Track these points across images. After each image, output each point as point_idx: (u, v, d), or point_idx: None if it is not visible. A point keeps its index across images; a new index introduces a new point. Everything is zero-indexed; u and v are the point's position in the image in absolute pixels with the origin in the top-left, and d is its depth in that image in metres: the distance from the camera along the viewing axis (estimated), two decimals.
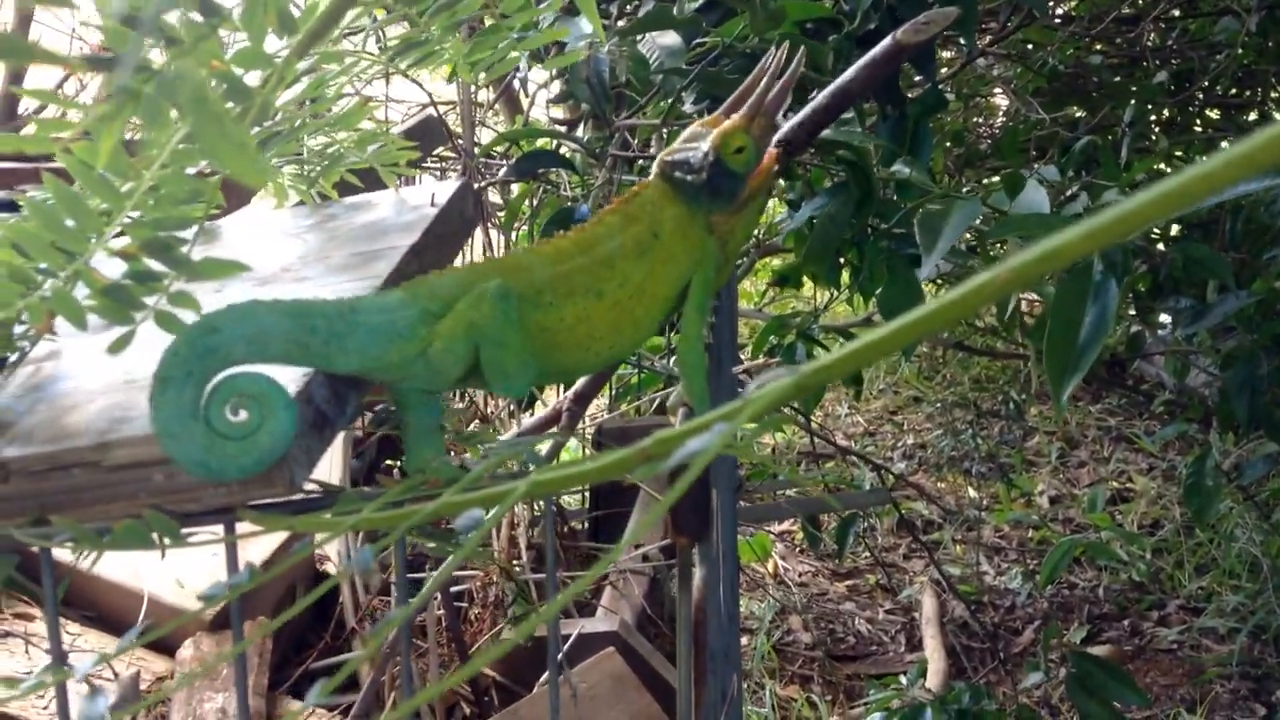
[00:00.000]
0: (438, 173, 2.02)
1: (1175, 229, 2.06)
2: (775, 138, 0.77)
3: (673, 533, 0.81)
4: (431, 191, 0.77)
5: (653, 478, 1.45)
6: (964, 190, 2.30)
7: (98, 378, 0.61)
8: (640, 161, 1.30)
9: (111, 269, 0.59)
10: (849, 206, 0.94)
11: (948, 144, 2.25)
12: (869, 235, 0.98)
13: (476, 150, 1.45)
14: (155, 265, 0.56)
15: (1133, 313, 2.00)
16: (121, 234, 0.57)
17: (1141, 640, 2.65)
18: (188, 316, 0.58)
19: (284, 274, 0.71)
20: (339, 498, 0.56)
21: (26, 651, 1.50)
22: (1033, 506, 3.20)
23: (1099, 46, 2.38)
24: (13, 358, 0.67)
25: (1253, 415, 1.87)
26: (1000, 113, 2.75)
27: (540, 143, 1.29)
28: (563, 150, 1.37)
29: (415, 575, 1.52)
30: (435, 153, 1.93)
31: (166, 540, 0.51)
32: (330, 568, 1.64)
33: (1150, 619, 2.73)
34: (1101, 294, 0.82)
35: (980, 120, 2.78)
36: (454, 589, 1.49)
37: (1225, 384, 1.87)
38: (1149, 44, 2.41)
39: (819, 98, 0.80)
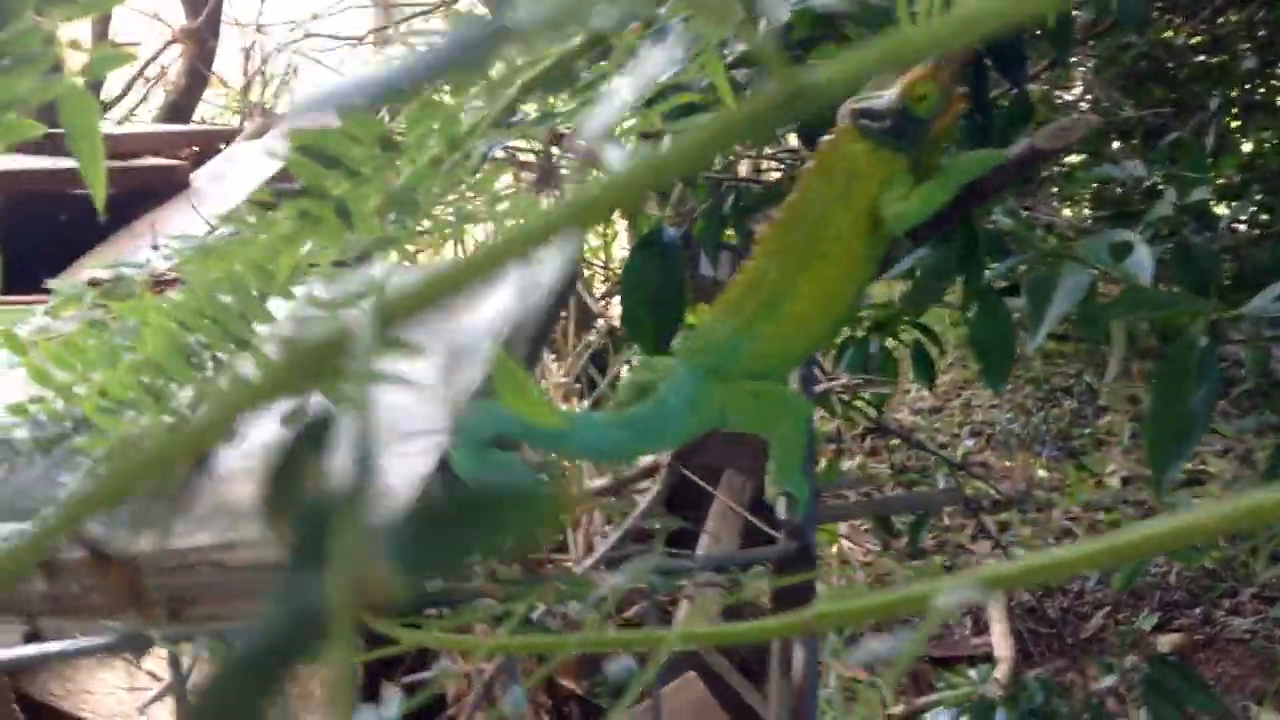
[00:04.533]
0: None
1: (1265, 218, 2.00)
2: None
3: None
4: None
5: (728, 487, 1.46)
6: (1045, 171, 2.25)
7: (233, 458, 0.62)
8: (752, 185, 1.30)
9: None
10: (952, 260, 0.92)
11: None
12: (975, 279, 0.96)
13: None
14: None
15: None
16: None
17: (1213, 629, 2.62)
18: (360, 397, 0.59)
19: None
20: (459, 604, 0.56)
21: None
22: (1104, 488, 3.16)
23: (1181, 29, 2.31)
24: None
25: None
26: (1080, 99, 2.69)
27: None
28: None
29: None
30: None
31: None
32: None
33: (1223, 607, 2.70)
34: (1207, 373, 0.79)
35: (1060, 99, 2.72)
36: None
37: None
38: (1232, 22, 2.34)
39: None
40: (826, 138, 0.82)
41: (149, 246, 1.45)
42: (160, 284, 0.88)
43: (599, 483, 1.00)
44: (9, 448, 0.61)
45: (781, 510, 0.75)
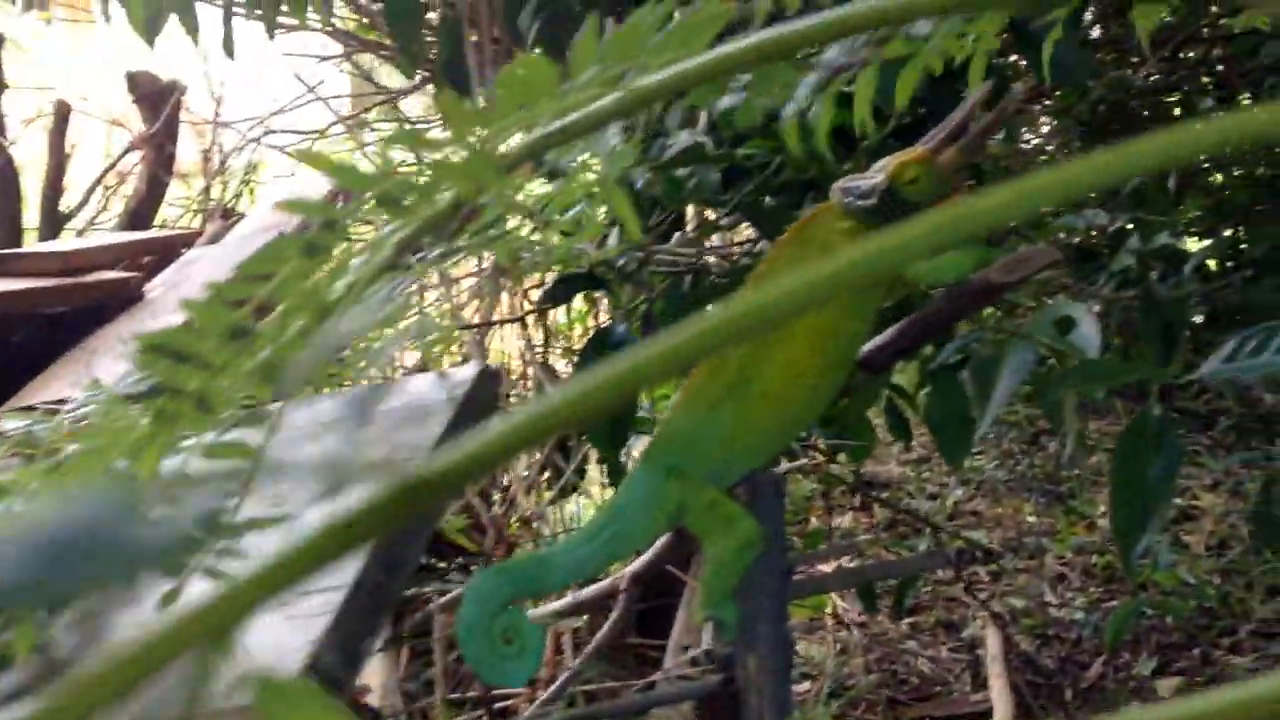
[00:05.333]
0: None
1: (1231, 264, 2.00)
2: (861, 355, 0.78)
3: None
4: (445, 389, 0.76)
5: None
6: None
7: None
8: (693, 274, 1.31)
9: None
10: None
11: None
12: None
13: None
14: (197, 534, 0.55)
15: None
16: None
17: (1214, 670, 2.59)
18: (233, 567, 0.57)
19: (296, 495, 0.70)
20: None
21: None
22: (1095, 530, 3.13)
23: (1138, 67, 2.33)
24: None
25: None
26: (1046, 140, 2.71)
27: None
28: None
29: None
30: None
31: None
32: (372, 699, 1.63)
33: (1222, 646, 2.66)
34: (1165, 443, 0.78)
35: (1026, 142, 2.73)
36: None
37: None
38: (1190, 60, 2.35)
39: (903, 323, 0.82)
40: (807, 213, 0.80)
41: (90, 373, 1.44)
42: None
43: (556, 605, 0.99)
44: None
45: (707, 638, 0.72)
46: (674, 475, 0.77)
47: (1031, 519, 3.20)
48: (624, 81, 0.40)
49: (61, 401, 1.46)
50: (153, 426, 0.44)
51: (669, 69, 0.32)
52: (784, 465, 1.29)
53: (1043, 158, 2.69)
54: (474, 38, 1.43)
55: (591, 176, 0.59)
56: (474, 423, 0.77)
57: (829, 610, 2.85)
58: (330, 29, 2.23)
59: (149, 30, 1.60)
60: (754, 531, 0.74)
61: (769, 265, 0.76)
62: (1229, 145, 0.17)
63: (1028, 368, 0.83)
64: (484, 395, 0.76)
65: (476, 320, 1.64)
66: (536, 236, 0.68)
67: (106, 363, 1.52)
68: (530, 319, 1.71)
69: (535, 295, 1.64)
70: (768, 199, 1.07)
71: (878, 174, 0.75)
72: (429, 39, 1.83)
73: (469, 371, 0.77)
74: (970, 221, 0.18)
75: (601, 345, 1.09)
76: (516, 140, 0.42)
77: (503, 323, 1.78)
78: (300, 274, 0.43)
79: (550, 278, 1.16)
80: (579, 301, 1.96)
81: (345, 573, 0.59)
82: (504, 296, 1.83)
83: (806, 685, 2.65)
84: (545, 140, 0.36)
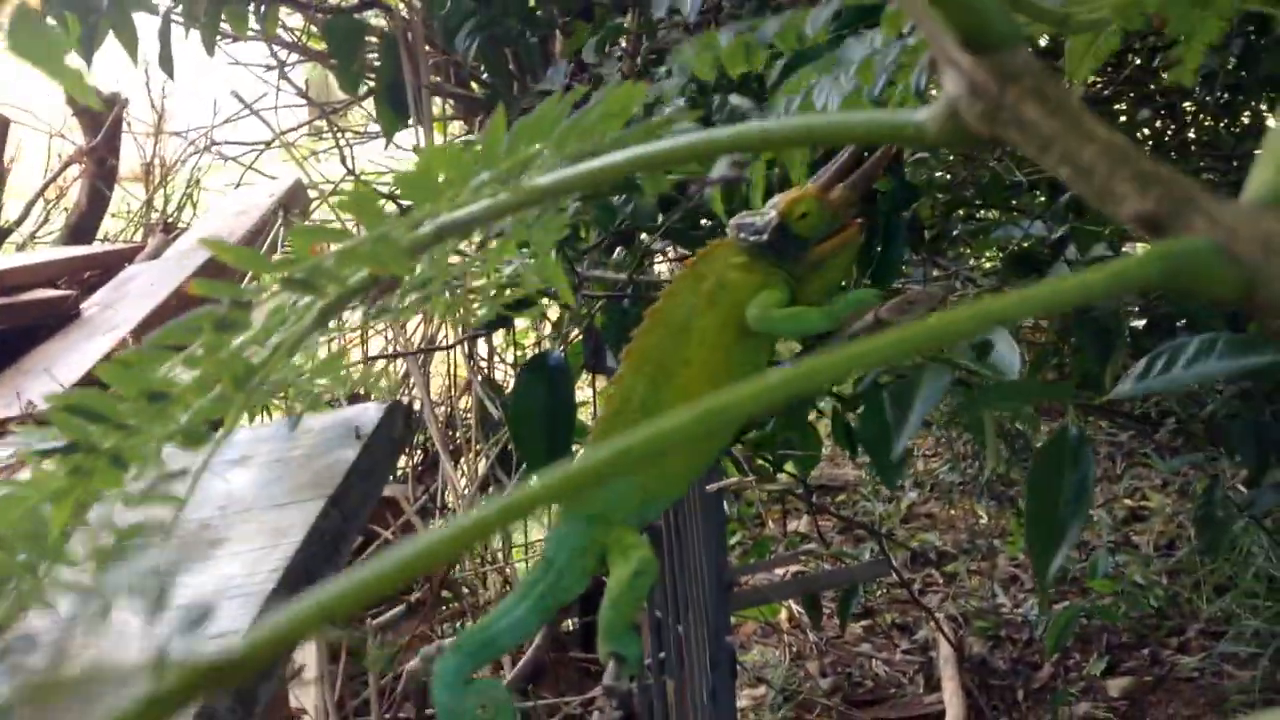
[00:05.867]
0: None
1: None
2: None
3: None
4: (355, 425, 0.76)
5: None
6: (954, 229, 2.27)
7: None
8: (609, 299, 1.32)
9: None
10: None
11: (937, 194, 2.23)
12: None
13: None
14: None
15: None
16: None
17: (1162, 669, 2.62)
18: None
19: (204, 534, 0.70)
20: None
21: None
22: None
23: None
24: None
25: (1260, 462, 1.85)
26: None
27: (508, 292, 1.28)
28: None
29: None
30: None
31: None
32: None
33: (1170, 646, 2.70)
34: (1079, 460, 0.79)
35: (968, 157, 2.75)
36: None
37: (1230, 431, 1.84)
38: (1135, 68, 2.38)
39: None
40: (703, 249, 0.81)
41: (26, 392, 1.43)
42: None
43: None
44: None
45: (609, 675, 0.72)
46: (596, 522, 0.78)
47: (984, 521, 3.23)
48: (534, 164, 0.40)
49: None
50: (68, 480, 0.44)
51: (554, 174, 0.33)
52: (725, 480, 1.29)
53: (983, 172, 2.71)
54: (411, 58, 1.43)
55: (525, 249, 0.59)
56: (382, 456, 0.77)
57: (783, 614, 2.86)
58: (275, 39, 2.21)
59: (85, 49, 1.58)
60: (647, 560, 0.75)
61: (665, 299, 0.79)
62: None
63: (941, 393, 0.83)
64: (392, 429, 0.77)
65: (418, 339, 1.64)
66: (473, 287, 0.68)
67: (40, 384, 1.50)
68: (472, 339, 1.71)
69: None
70: (705, 222, 1.08)
71: (770, 210, 0.78)
72: (372, 53, 1.82)
73: (377, 410, 0.78)
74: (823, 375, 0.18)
75: (539, 368, 1.09)
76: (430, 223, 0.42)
77: (440, 349, 1.77)
78: (212, 348, 0.42)
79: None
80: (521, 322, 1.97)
81: (243, 615, 0.59)
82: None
83: (761, 690, 2.67)
84: (445, 229, 0.36)
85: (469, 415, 1.84)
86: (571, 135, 0.37)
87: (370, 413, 0.78)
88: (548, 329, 1.69)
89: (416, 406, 1.61)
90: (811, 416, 1.90)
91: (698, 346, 0.77)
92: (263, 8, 1.85)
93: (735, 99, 1.10)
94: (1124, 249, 1.83)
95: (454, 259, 0.59)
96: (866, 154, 0.76)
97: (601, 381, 1.72)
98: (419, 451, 2.15)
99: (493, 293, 0.69)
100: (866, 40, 0.78)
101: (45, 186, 2.75)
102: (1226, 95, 2.10)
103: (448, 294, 0.71)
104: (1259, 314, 0.23)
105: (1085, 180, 0.23)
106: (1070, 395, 0.86)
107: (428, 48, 1.60)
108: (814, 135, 0.28)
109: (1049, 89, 0.23)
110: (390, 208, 0.63)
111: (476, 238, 0.64)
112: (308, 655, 1.68)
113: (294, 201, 2.21)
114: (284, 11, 2.30)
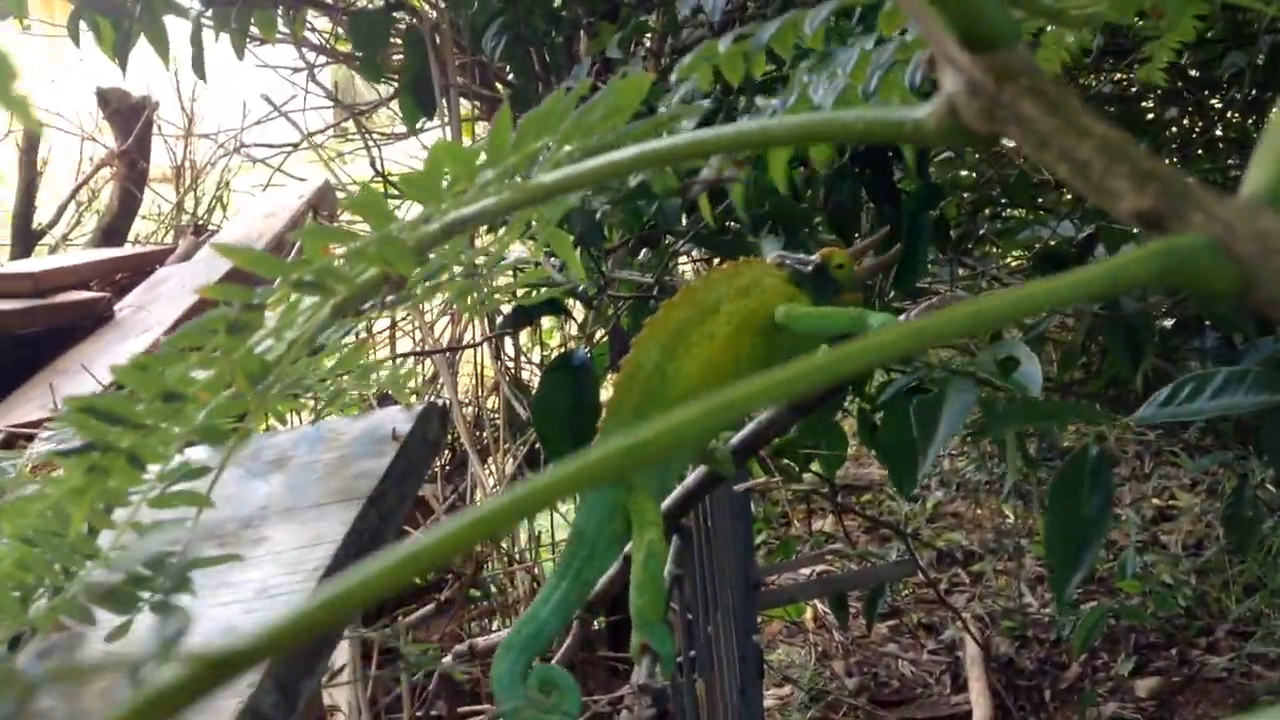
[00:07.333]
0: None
1: None
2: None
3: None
4: (391, 427, 0.78)
5: None
6: (980, 228, 2.27)
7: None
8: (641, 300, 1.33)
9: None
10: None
11: (964, 193, 2.22)
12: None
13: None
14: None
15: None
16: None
17: (1190, 670, 2.60)
18: (184, 600, 0.58)
19: (246, 533, 0.71)
20: None
21: None
22: None
23: (1108, 76, 2.34)
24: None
25: None
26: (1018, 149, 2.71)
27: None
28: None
29: None
30: None
31: None
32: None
33: (1199, 646, 2.68)
34: (1099, 481, 0.79)
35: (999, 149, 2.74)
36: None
37: (1259, 430, 1.83)
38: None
39: (764, 416, 0.89)
40: (744, 260, 0.87)
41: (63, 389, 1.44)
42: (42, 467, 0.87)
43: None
44: None
45: (642, 673, 0.73)
46: (619, 488, 0.80)
47: (1011, 520, 3.21)
48: (543, 158, 0.41)
49: (34, 424, 1.47)
50: (84, 479, 0.45)
51: (557, 172, 0.33)
52: (752, 480, 1.30)
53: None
54: (439, 55, 1.44)
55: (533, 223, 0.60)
56: (418, 458, 0.78)
57: (809, 614, 2.86)
58: (303, 42, 2.23)
59: (120, 52, 1.60)
60: (656, 543, 0.77)
61: (701, 282, 0.84)
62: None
63: (967, 411, 0.84)
64: (427, 431, 0.78)
65: (446, 339, 1.65)
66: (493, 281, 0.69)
67: (75, 384, 1.52)
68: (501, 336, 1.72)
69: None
70: (731, 224, 1.09)
71: (815, 256, 0.88)
72: (395, 49, 1.83)
73: (412, 413, 0.79)
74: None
75: (564, 368, 1.10)
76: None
77: (467, 347, 1.79)
78: (227, 349, 0.43)
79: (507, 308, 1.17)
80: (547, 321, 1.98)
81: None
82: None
83: (788, 690, 2.67)
84: (451, 226, 0.37)
85: (496, 415, 1.85)
86: (576, 131, 0.38)
87: (405, 415, 0.80)
88: (573, 329, 1.70)
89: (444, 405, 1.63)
90: (837, 416, 1.90)
91: (724, 324, 0.82)
92: (291, 11, 1.87)
93: (761, 100, 1.11)
94: None
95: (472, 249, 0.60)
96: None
97: None
98: (447, 451, 2.17)
99: (513, 287, 0.70)
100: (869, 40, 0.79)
101: (77, 189, 2.78)
102: (1255, 92, 2.08)
103: (474, 294, 0.72)
104: (1257, 310, 0.23)
105: (1083, 177, 0.24)
106: (1092, 417, 0.87)
107: (454, 49, 1.61)
108: (814, 134, 0.28)
109: (1047, 86, 0.23)
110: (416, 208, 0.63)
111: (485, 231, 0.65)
112: (344, 656, 1.69)
113: (323, 203, 2.23)
114: (311, 14, 2.32)
